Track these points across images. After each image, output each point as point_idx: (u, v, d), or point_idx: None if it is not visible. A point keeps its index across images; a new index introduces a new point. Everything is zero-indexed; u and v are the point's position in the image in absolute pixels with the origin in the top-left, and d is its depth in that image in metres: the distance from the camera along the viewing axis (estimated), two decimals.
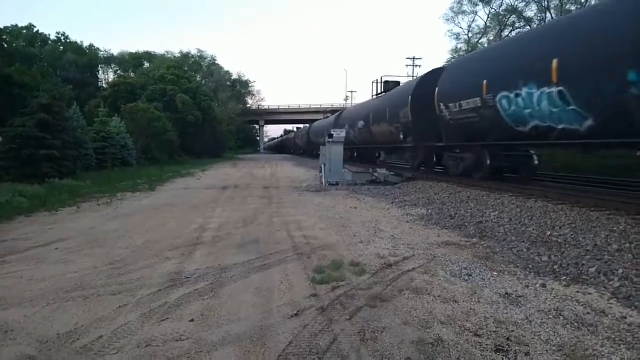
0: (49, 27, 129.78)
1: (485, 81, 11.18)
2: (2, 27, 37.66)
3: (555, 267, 5.13)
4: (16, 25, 54.52)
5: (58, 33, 59.71)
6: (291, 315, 3.79)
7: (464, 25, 53.71)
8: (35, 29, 56.23)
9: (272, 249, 6.23)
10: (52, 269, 5.29)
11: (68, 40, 58.73)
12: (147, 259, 5.75)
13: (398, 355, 3.08)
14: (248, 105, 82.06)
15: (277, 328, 3.55)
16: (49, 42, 56.84)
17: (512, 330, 3.45)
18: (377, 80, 23.29)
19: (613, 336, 3.32)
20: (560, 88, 8.52)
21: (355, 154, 27.90)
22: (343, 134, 16.60)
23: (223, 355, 3.11)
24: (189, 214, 9.42)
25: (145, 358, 3.08)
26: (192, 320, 3.72)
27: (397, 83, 21.72)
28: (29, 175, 14.67)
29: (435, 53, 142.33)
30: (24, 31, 54.87)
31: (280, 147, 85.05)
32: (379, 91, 22.89)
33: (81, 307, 4.05)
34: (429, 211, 9.41)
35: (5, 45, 36.00)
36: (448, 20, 43.29)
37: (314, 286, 4.56)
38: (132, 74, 53.24)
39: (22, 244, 6.67)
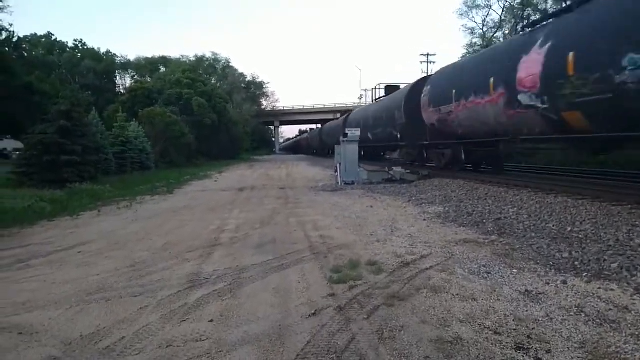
0: (66, 35, 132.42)
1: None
2: (22, 36, 38.59)
3: (576, 263, 5.04)
4: (35, 34, 56.05)
5: (76, 40, 61.09)
6: (309, 315, 3.81)
7: (479, 19, 53.04)
8: (53, 37, 57.56)
9: (290, 249, 6.26)
10: (74, 272, 5.41)
11: (86, 48, 59.97)
12: (167, 261, 5.83)
13: (417, 355, 3.07)
14: (263, 107, 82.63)
15: (295, 328, 3.56)
16: (67, 49, 58.07)
17: (533, 328, 3.40)
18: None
19: (637, 333, 3.26)
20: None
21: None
22: (358, 133, 16.60)
23: (243, 355, 3.14)
24: (207, 216, 9.52)
25: (166, 358, 3.13)
26: (211, 320, 3.77)
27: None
28: (51, 181, 14.97)
29: (451, 49, 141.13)
30: (43, 40, 56.17)
31: (296, 147, 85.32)
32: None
33: (103, 309, 4.13)
34: (446, 209, 9.34)
35: (26, 54, 36.87)
36: (462, 15, 42.93)
37: (332, 286, 4.57)
38: (148, 79, 54.01)
39: (45, 248, 6.83)
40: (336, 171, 16.32)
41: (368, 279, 4.75)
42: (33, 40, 53.72)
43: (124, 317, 3.90)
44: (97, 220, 9.51)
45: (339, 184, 15.44)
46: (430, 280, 4.65)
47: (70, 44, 59.37)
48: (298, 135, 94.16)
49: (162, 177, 21.02)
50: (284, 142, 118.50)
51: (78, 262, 5.91)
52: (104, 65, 56.92)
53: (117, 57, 64.16)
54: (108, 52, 62.80)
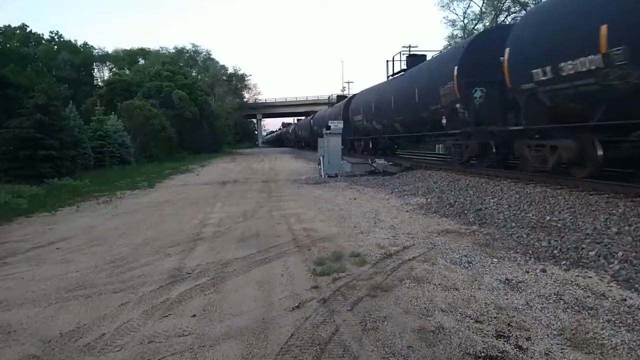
0: (42, 27, 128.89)
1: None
2: None
3: (555, 252, 5.14)
4: (9, 25, 54.17)
5: (52, 32, 59.58)
6: (293, 308, 3.80)
7: (460, 11, 53.55)
8: (28, 29, 55.90)
9: (273, 242, 6.24)
10: (53, 269, 5.30)
11: (62, 40, 58.43)
12: (148, 256, 5.76)
13: (400, 344, 3.10)
14: (245, 100, 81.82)
15: (279, 321, 3.56)
16: (43, 41, 56.50)
17: (513, 316, 3.46)
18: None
19: (613, 319, 3.33)
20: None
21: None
22: (341, 125, 16.65)
23: (226, 350, 3.12)
24: (189, 210, 9.42)
25: (148, 354, 3.09)
26: (194, 315, 3.73)
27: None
28: (28, 176, 14.65)
29: (432, 41, 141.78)
30: (17, 31, 54.48)
31: (279, 140, 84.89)
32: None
33: (83, 306, 4.06)
34: (429, 200, 9.42)
35: None
36: (443, 7, 43.21)
37: (315, 278, 4.57)
38: (127, 72, 52.98)
39: (23, 245, 6.68)
40: (319, 164, 16.32)
41: (351, 271, 4.76)
42: (7, 32, 52.00)
43: (104, 314, 3.84)
44: (76, 215, 9.33)
45: (323, 176, 15.45)
46: (412, 271, 4.68)
47: (46, 36, 57.85)
48: (281, 128, 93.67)
49: (142, 171, 20.73)
50: (267, 135, 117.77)
51: (57, 259, 5.80)
52: (81, 58, 55.53)
53: (95, 49, 62.67)
54: (85, 44, 61.31)
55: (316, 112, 44.00)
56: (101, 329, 3.52)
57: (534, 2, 34.13)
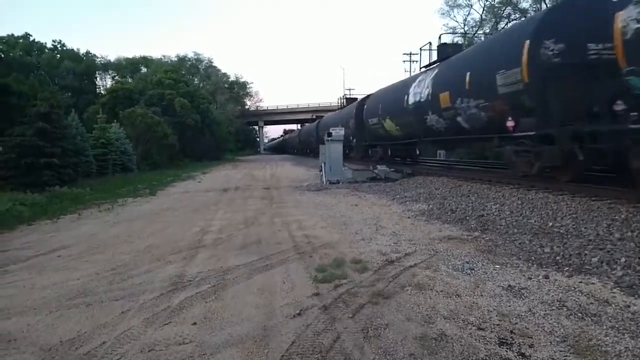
0: (45, 36, 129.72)
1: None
2: None
3: (557, 258, 5.11)
4: (12, 34, 54.67)
5: (54, 41, 59.94)
6: (294, 315, 3.79)
7: (460, 19, 53.59)
8: (31, 38, 56.32)
9: (274, 249, 6.22)
10: (54, 277, 5.29)
11: (65, 48, 58.82)
12: (149, 263, 5.75)
13: (402, 352, 3.07)
14: (247, 107, 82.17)
15: (280, 328, 3.54)
16: (46, 50, 56.92)
17: (516, 323, 3.44)
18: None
19: (617, 325, 3.31)
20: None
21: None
22: (342, 132, 16.69)
23: (226, 358, 3.11)
24: (190, 218, 9.42)
25: None
26: (195, 323, 3.72)
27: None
28: (30, 184, 14.66)
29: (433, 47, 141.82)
30: (21, 40, 54.90)
31: (281, 147, 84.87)
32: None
33: (84, 314, 4.05)
34: (430, 206, 9.40)
35: (2, 55, 36.04)
36: (444, 14, 43.29)
37: (317, 285, 4.56)
38: (129, 80, 53.27)
39: (24, 253, 6.67)
40: (321, 170, 16.33)
41: (353, 278, 4.74)
42: (10, 41, 52.53)
43: (105, 322, 3.82)
44: (77, 223, 9.33)
45: (324, 183, 15.45)
46: (414, 278, 4.66)
47: (49, 45, 58.27)
48: (283, 135, 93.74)
49: (144, 178, 20.76)
50: (268, 142, 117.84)
51: (58, 267, 5.79)
52: (83, 66, 55.88)
53: (97, 58, 63.03)
54: (88, 52, 61.64)
55: (322, 117, 42.90)
56: (102, 337, 3.51)
57: (533, 9, 34.30)
